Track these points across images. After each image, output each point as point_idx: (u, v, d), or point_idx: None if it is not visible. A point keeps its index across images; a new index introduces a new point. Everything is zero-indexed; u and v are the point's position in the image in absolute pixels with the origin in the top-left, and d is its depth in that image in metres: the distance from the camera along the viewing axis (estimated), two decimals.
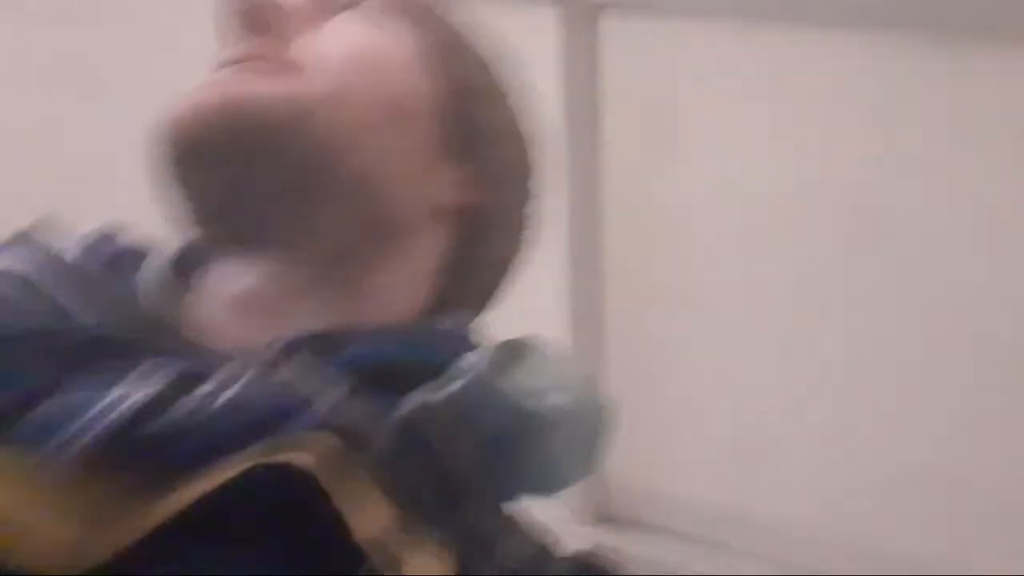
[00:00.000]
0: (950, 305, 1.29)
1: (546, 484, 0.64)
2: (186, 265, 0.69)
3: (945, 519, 1.31)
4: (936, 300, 1.29)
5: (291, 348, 0.59)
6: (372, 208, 0.66)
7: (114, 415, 0.52)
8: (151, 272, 0.69)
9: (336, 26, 0.68)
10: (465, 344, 0.63)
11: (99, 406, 0.53)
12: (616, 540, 1.49)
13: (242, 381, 0.55)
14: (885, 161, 1.29)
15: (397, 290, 0.68)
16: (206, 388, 0.54)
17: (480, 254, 0.72)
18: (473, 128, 0.70)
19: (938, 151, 1.26)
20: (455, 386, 0.58)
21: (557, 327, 1.44)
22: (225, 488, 0.51)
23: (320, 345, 0.60)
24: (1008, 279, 1.25)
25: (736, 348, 1.43)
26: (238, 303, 0.65)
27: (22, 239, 0.67)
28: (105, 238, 0.70)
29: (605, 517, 1.54)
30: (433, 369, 0.60)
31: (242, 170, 0.63)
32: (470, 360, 0.60)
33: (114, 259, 0.69)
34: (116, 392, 0.53)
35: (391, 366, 0.61)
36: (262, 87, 0.64)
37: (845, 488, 1.38)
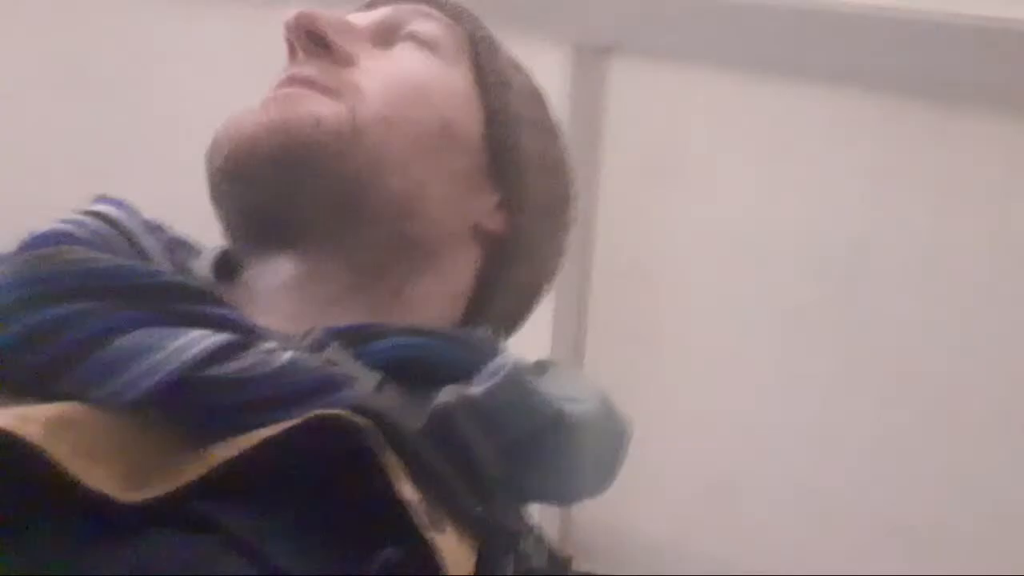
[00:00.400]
0: (928, 351, 1.31)
1: (567, 490, 0.65)
2: (227, 267, 0.71)
3: (920, 568, 1.32)
4: (915, 347, 1.31)
5: (328, 337, 0.61)
6: (411, 227, 0.69)
7: (180, 361, 0.53)
8: (200, 263, 0.71)
9: (397, 54, 0.72)
10: (492, 352, 0.65)
11: (165, 351, 0.53)
12: None
13: (289, 353, 0.56)
14: (879, 209, 1.32)
15: (430, 305, 0.71)
16: (260, 352, 0.55)
17: (512, 278, 0.75)
18: (514, 159, 0.74)
19: (925, 200, 1.29)
20: (493, 382, 0.60)
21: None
22: (276, 441, 0.51)
23: (354, 337, 0.62)
24: (984, 333, 1.28)
25: (718, 390, 1.45)
26: (276, 300, 0.67)
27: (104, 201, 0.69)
28: (162, 225, 0.72)
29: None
30: (460, 370, 0.62)
31: (292, 186, 0.66)
32: (502, 361, 0.62)
33: (171, 243, 0.71)
34: (181, 340, 0.54)
35: (420, 363, 0.63)
36: (321, 109, 0.67)
37: (818, 534, 1.39)
